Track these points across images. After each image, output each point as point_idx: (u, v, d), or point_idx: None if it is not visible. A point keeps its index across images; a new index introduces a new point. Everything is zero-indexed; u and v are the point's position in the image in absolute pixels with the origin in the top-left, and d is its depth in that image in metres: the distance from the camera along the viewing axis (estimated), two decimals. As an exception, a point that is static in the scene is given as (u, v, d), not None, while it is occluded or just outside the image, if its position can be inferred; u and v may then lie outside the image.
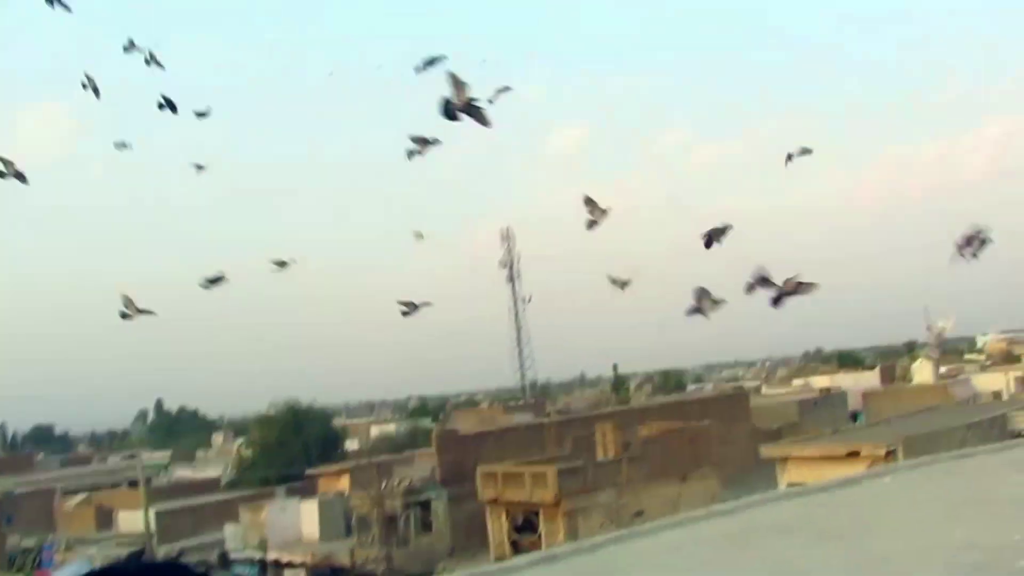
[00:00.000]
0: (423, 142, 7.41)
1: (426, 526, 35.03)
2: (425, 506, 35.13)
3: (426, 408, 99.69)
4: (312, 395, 61.87)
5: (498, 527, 31.22)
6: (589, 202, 7.19)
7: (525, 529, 30.55)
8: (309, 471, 45.27)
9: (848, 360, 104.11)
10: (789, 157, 7.54)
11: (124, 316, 7.93)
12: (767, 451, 25.04)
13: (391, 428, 76.01)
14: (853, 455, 21.40)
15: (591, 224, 7.05)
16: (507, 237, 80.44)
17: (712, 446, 34.86)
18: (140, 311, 7.93)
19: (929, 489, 4.06)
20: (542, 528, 29.65)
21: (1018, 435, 22.45)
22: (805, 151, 6.39)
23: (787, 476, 22.52)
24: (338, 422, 73.77)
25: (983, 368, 71.73)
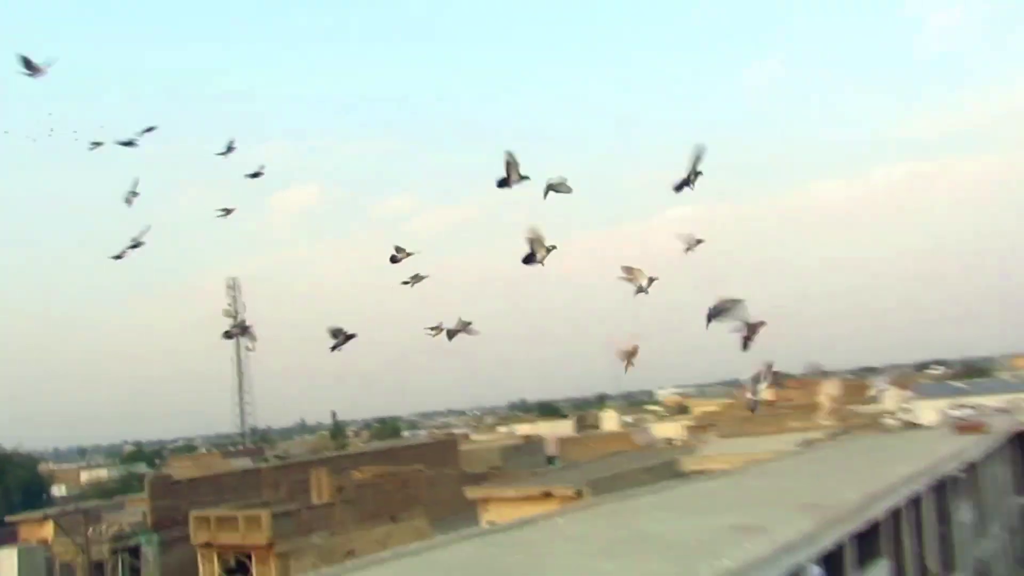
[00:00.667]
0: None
1: (135, 572, 33.55)
2: (135, 552, 33.75)
3: (142, 453, 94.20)
4: (16, 440, 58.38)
5: (209, 570, 30.59)
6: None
7: (238, 571, 30.10)
8: (9, 518, 41.75)
9: (548, 410, 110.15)
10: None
11: None
12: (471, 493, 25.71)
13: (103, 474, 72.45)
14: (547, 496, 22.36)
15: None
16: (233, 288, 77.99)
17: (423, 489, 35.96)
18: None
19: (594, 528, 4.08)
20: (254, 570, 29.41)
21: (684, 475, 24.71)
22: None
23: (488, 515, 23.04)
24: (44, 468, 69.61)
25: (660, 418, 79.50)
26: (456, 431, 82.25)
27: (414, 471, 37.36)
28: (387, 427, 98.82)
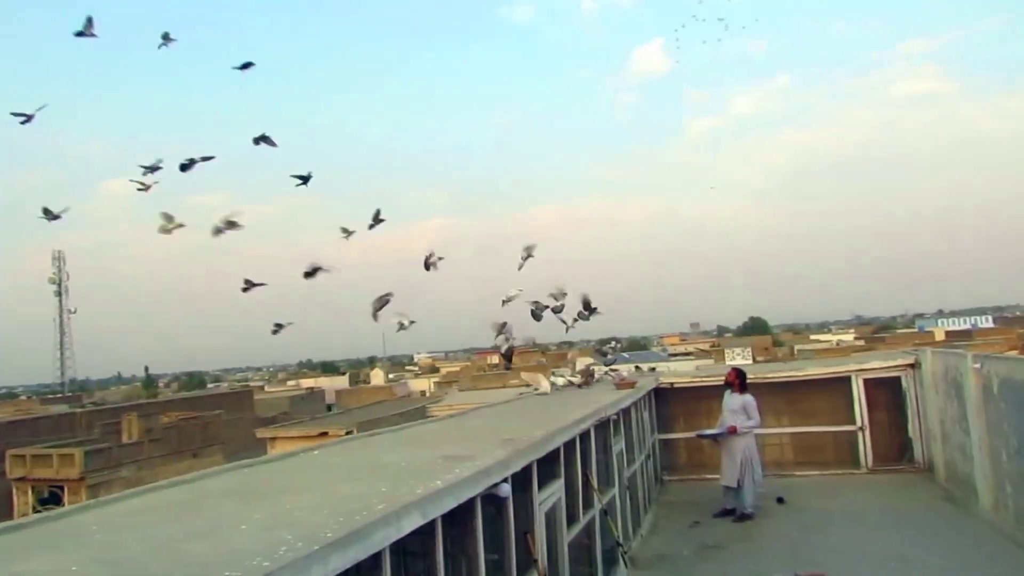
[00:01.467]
0: None
1: (-51, 506, 27.66)
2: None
3: (-39, 400, 77.73)
4: None
5: (23, 501, 27.42)
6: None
7: (50, 502, 26.67)
8: None
9: (329, 368, 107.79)
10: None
11: None
12: (261, 433, 24.62)
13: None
14: (323, 435, 21.68)
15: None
16: (58, 258, 68.40)
17: (221, 430, 34.52)
18: None
19: (342, 459, 3.87)
20: (67, 500, 25.69)
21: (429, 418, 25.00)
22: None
23: (275, 451, 21.97)
24: None
25: (416, 376, 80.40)
26: (253, 384, 77.89)
27: (214, 415, 35.46)
28: (194, 380, 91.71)
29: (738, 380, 8.67)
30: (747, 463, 8.33)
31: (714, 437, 9.10)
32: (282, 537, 2.24)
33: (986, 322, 73.05)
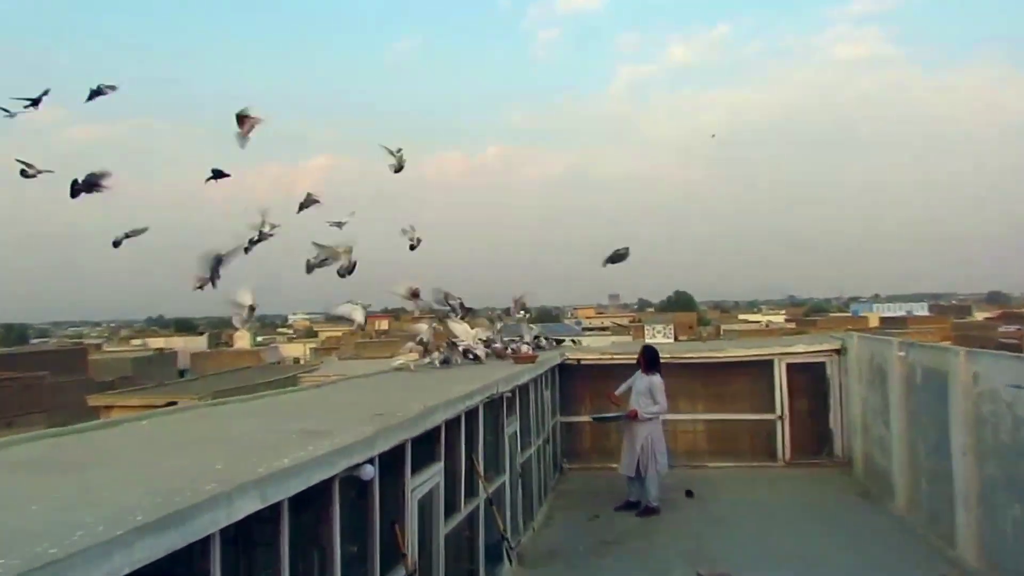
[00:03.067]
0: None
1: None
2: None
3: None
4: None
5: None
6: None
7: None
8: None
9: (185, 326, 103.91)
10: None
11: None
12: (94, 400, 23.33)
13: None
14: (172, 404, 20.90)
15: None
16: None
17: (45, 395, 32.82)
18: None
19: (176, 430, 3.74)
20: None
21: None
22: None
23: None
24: None
25: (290, 340, 78.79)
26: (88, 341, 73.76)
27: (36, 377, 33.51)
28: (13, 333, 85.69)
29: (645, 359, 9.00)
30: (649, 451, 8.70)
31: (611, 420, 9.46)
32: (80, 519, 2.14)
33: (921, 310, 79.20)
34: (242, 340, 72.19)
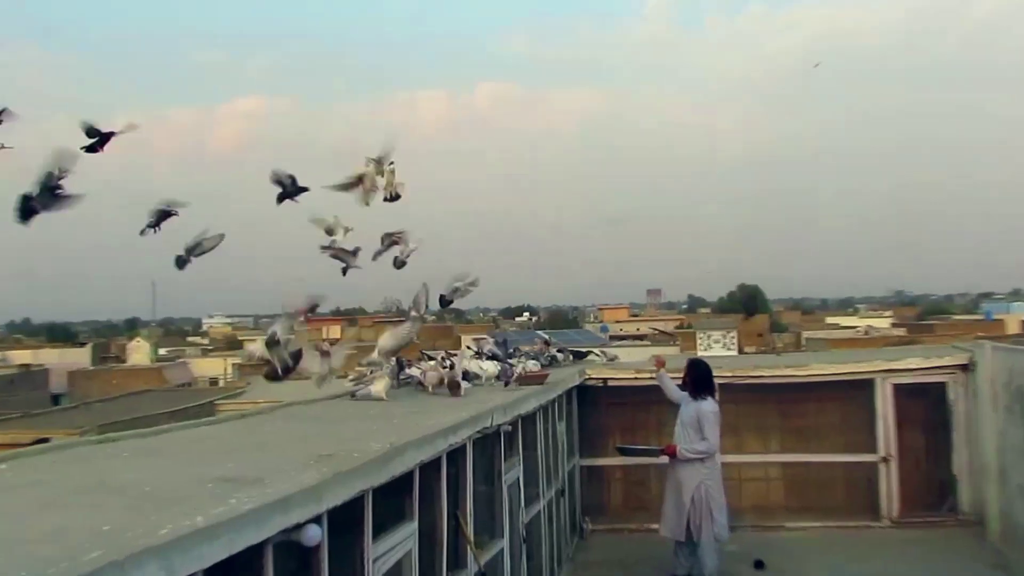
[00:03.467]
0: None
1: None
2: None
3: None
4: None
5: None
6: None
7: None
8: None
9: (60, 333, 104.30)
10: None
11: None
12: None
13: None
14: (41, 441, 20.93)
15: None
16: None
17: None
18: None
19: (50, 476, 3.76)
20: None
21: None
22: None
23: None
24: None
25: (205, 352, 78.79)
26: (-76, 355, 74.07)
27: None
28: None
29: (691, 378, 9.01)
30: (703, 507, 8.71)
31: (640, 454, 9.55)
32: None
33: (1081, 311, 79.22)
34: (140, 353, 72.35)
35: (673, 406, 9.26)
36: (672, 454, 8.83)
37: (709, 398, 8.93)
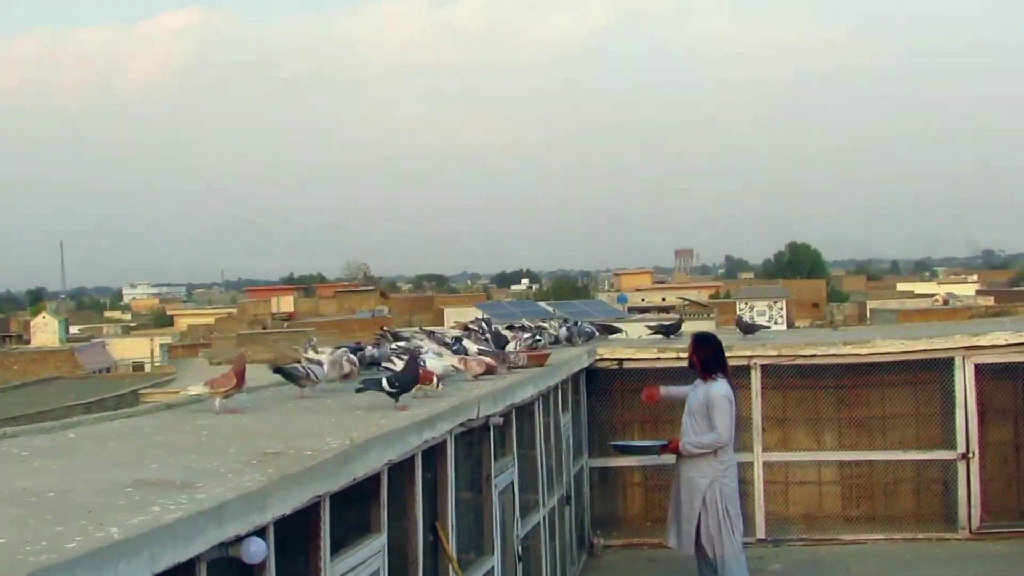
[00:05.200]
0: None
1: None
2: None
3: None
4: None
5: None
6: None
7: None
8: None
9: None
10: None
11: None
12: None
13: None
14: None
15: None
16: None
17: None
18: None
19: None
20: None
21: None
22: None
23: None
24: None
25: (126, 331, 79.00)
26: None
27: None
28: None
29: (695, 355, 8.99)
30: (717, 514, 8.72)
31: (636, 452, 9.61)
32: None
33: None
34: (46, 332, 72.38)
35: None
36: (675, 450, 8.84)
37: (721, 379, 8.91)
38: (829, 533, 11.17)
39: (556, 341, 11.01)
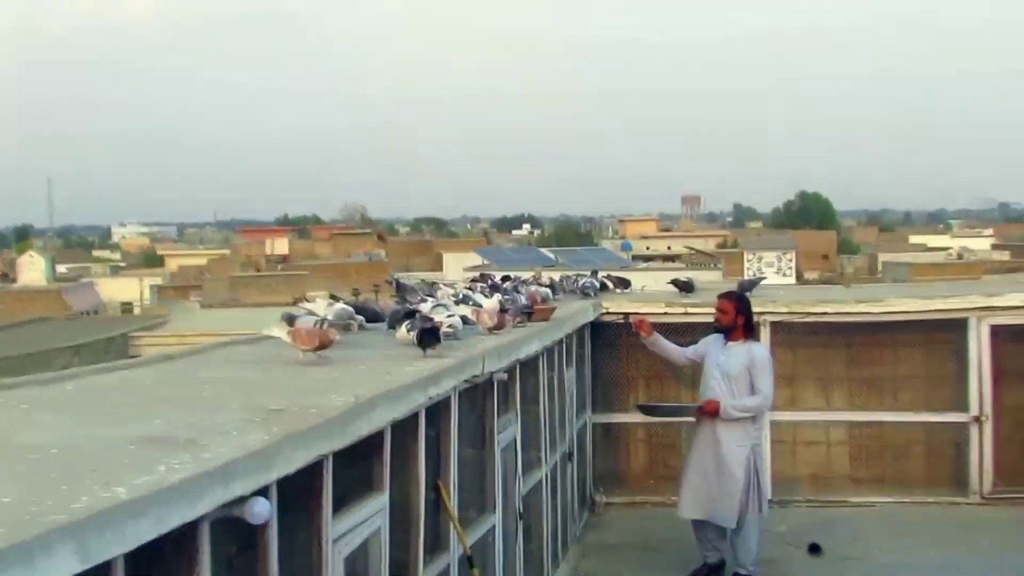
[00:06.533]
0: None
1: None
2: None
3: None
4: None
5: None
6: None
7: None
8: None
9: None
10: None
11: None
12: None
13: None
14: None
15: None
16: None
17: None
18: None
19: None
20: None
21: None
22: None
23: None
24: None
25: (116, 271, 78.91)
26: None
27: None
28: None
29: (741, 314, 8.96)
30: (753, 480, 8.80)
31: (671, 413, 9.64)
32: None
33: None
34: (34, 270, 72.34)
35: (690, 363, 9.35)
36: (714, 412, 8.80)
37: (756, 341, 9.02)
38: (836, 495, 11.25)
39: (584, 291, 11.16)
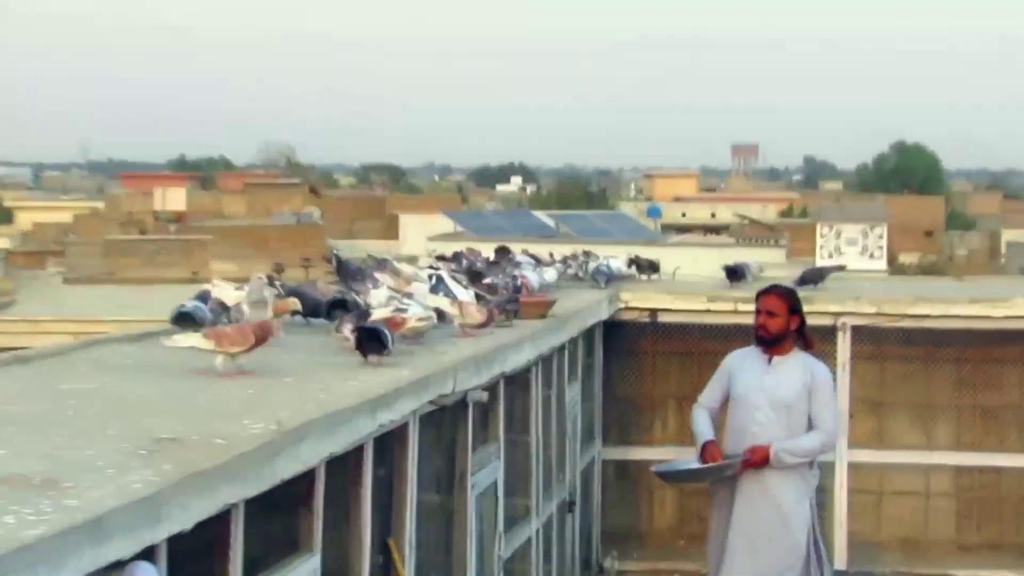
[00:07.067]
0: None
1: None
2: None
3: None
4: None
5: None
6: None
7: None
8: None
9: None
10: None
11: None
12: None
13: None
14: None
15: None
16: None
17: None
18: None
19: None
20: None
21: None
22: None
23: None
24: None
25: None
26: None
27: None
28: None
29: (794, 313, 8.75)
30: (816, 543, 8.83)
31: (701, 477, 9.58)
32: None
33: None
34: None
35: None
36: (764, 462, 8.53)
37: (814, 356, 8.86)
38: (936, 566, 11.29)
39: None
